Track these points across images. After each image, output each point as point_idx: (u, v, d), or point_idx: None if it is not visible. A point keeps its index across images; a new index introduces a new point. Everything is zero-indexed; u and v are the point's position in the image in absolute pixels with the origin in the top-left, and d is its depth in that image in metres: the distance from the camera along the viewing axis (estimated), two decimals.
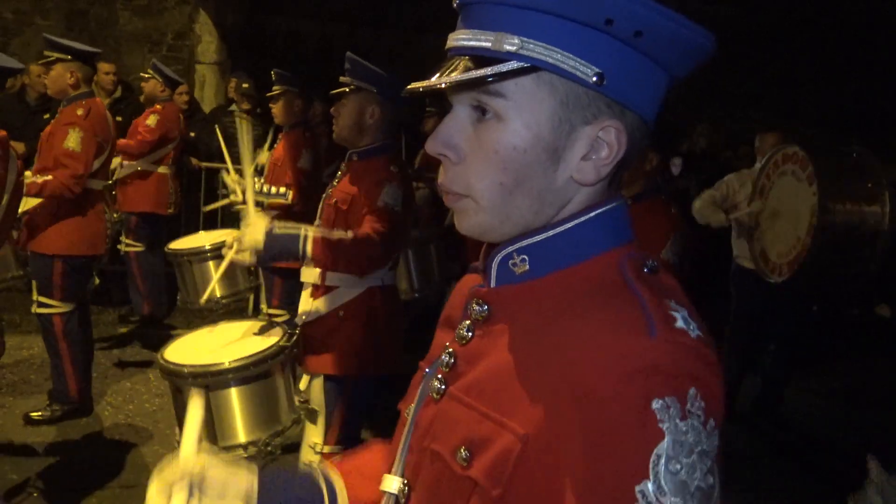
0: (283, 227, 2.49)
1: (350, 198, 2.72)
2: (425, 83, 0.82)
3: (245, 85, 6.80)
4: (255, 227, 2.43)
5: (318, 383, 2.77)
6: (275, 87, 4.55)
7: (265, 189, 4.19)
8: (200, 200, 6.76)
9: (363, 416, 2.93)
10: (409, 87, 0.84)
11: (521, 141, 0.81)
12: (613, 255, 0.83)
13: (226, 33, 8.06)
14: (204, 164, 6.84)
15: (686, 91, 0.97)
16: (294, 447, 3.57)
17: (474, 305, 0.90)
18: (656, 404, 0.69)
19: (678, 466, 0.69)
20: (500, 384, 0.81)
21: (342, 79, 2.77)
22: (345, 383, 2.73)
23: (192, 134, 6.84)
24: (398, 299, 2.96)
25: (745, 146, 8.71)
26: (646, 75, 0.81)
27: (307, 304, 2.81)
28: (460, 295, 1.00)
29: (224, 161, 4.21)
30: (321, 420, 2.73)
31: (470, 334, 0.90)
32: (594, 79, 0.78)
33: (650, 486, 0.68)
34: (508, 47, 0.78)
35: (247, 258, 2.43)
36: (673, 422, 0.69)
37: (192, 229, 5.48)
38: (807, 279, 4.10)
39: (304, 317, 2.77)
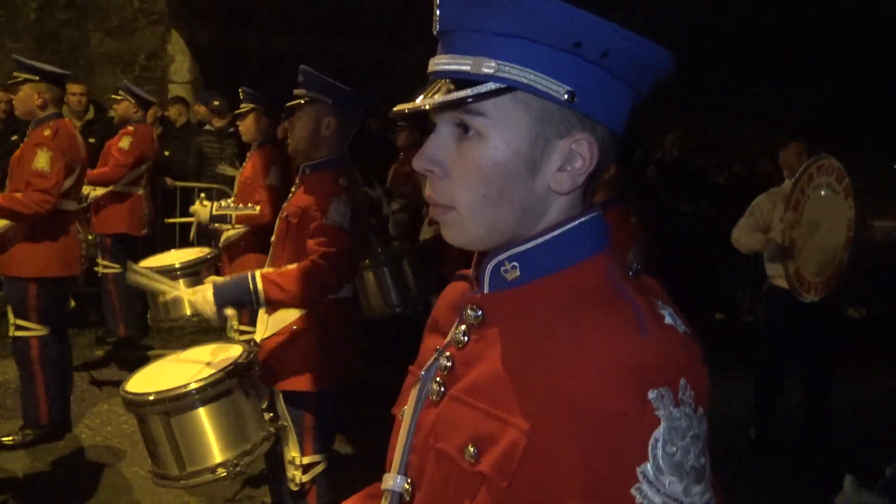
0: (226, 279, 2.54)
1: (301, 211, 2.71)
2: (410, 105, 0.89)
3: (216, 102, 6.80)
4: (201, 292, 2.47)
5: (280, 397, 2.75)
6: (242, 105, 4.56)
7: (231, 205, 4.21)
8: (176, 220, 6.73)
9: (335, 426, 2.92)
10: (395, 108, 0.91)
11: (501, 156, 0.87)
12: (598, 260, 0.91)
13: (198, 52, 8.05)
14: (178, 184, 6.81)
15: (656, 101, 1.02)
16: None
17: (469, 311, 0.95)
18: (652, 394, 0.77)
19: (674, 449, 0.77)
20: (500, 384, 0.87)
21: (296, 91, 2.75)
22: (306, 397, 2.71)
23: (167, 153, 6.82)
24: (355, 312, 2.94)
25: (719, 155, 8.87)
26: (613, 92, 0.88)
27: (262, 320, 2.80)
28: (446, 301, 1.08)
29: (198, 180, 4.21)
30: (292, 435, 2.71)
31: (466, 338, 0.95)
32: (566, 96, 0.85)
33: (650, 466, 0.77)
34: (486, 70, 0.85)
35: (211, 317, 2.47)
36: (668, 409, 0.77)
37: (167, 249, 5.45)
38: (846, 296, 3.92)
39: (260, 333, 2.76)
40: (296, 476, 2.71)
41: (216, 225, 4.26)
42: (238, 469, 2.41)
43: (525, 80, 0.84)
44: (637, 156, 7.15)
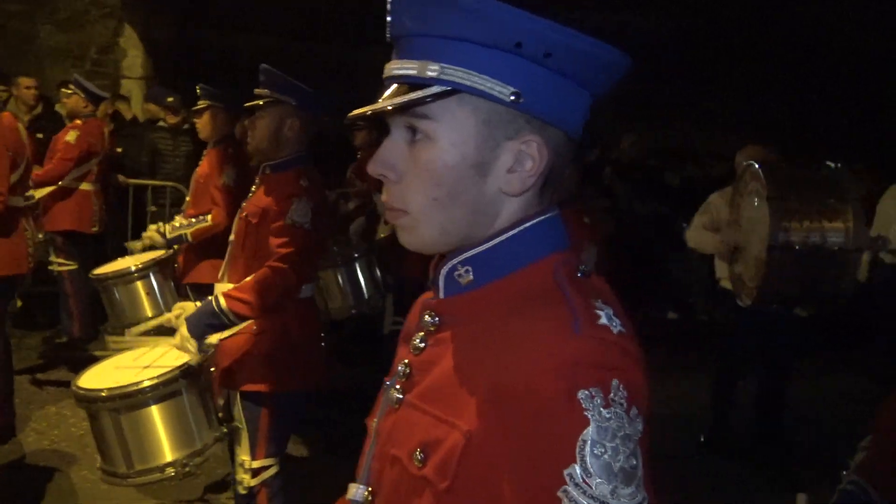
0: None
1: (261, 211, 2.69)
2: (360, 110, 0.91)
3: (170, 99, 6.68)
4: (178, 335, 2.48)
5: (236, 398, 2.73)
6: (199, 102, 4.49)
7: (184, 223, 4.15)
8: (128, 218, 6.59)
9: (290, 429, 2.90)
10: (349, 115, 0.93)
11: (449, 158, 0.88)
12: (550, 261, 0.91)
13: (152, 47, 7.90)
14: (132, 181, 6.68)
15: (613, 102, 1.02)
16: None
17: (426, 317, 0.96)
18: (581, 394, 0.77)
19: (602, 450, 0.77)
20: (450, 388, 0.88)
21: (257, 91, 2.73)
22: (264, 399, 2.68)
23: (119, 150, 6.67)
24: (315, 312, 2.93)
25: (674, 157, 9.00)
26: (563, 93, 0.88)
27: None
28: (417, 309, 1.07)
29: (152, 177, 4.16)
30: (245, 437, 2.68)
31: (423, 344, 0.96)
32: (511, 98, 0.86)
33: (577, 469, 0.76)
34: (430, 73, 0.86)
35: (195, 353, 2.48)
36: (597, 410, 0.77)
37: (119, 246, 5.34)
38: (780, 301, 4.00)
39: (219, 334, 2.72)
40: (244, 479, 2.68)
41: (175, 246, 4.20)
42: (187, 469, 2.41)
43: (469, 83, 0.85)
44: (593, 156, 7.22)
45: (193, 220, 4.18)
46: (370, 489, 0.99)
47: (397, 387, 0.97)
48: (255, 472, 2.68)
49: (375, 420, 1.02)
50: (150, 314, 3.86)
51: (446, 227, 0.90)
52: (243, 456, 2.69)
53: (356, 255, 5.00)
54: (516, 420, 0.79)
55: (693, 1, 7.42)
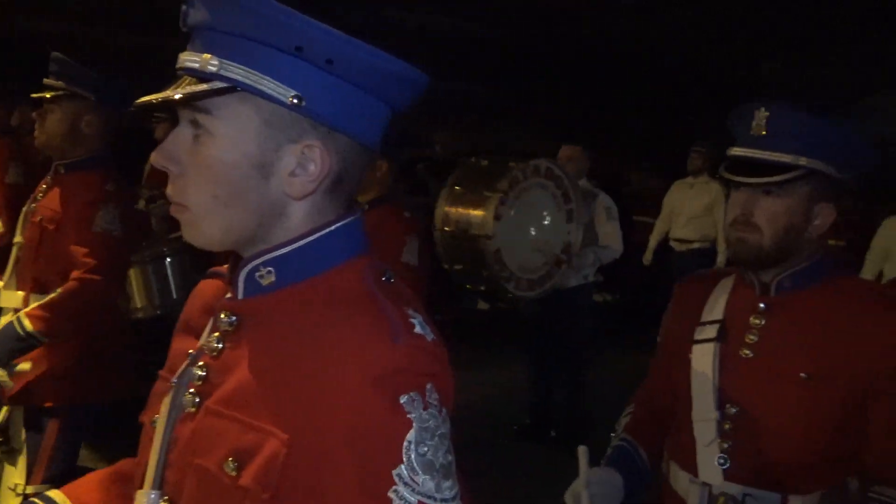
0: None
1: (59, 216, 2.47)
2: (145, 98, 0.89)
3: None
4: None
5: (20, 416, 2.49)
6: None
7: None
8: None
9: (78, 448, 2.67)
10: (135, 102, 0.91)
11: (229, 156, 0.87)
12: (354, 264, 0.92)
13: None
14: None
15: (427, 103, 1.03)
16: None
17: (223, 317, 0.93)
18: (404, 399, 0.81)
19: (425, 449, 0.82)
20: (258, 393, 0.86)
21: (47, 81, 2.49)
22: (55, 414, 2.47)
23: None
24: (117, 317, 2.76)
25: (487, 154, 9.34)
26: (350, 101, 0.88)
27: None
28: (198, 301, 1.06)
29: None
30: (22, 459, 2.45)
31: (220, 346, 0.93)
32: (293, 100, 0.85)
33: (404, 468, 0.80)
34: (211, 68, 0.85)
35: (4, 379, 2.30)
36: (418, 412, 0.82)
37: None
38: (468, 281, 4.27)
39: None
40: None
41: None
42: None
43: (249, 81, 0.85)
44: (406, 153, 7.35)
45: None
46: (167, 497, 0.94)
47: (192, 390, 0.93)
48: (25, 500, 2.45)
49: (156, 419, 0.97)
50: None
51: (228, 226, 0.90)
52: (15, 479, 2.45)
53: (166, 253, 4.73)
54: (342, 426, 0.80)
55: (502, 7, 7.69)
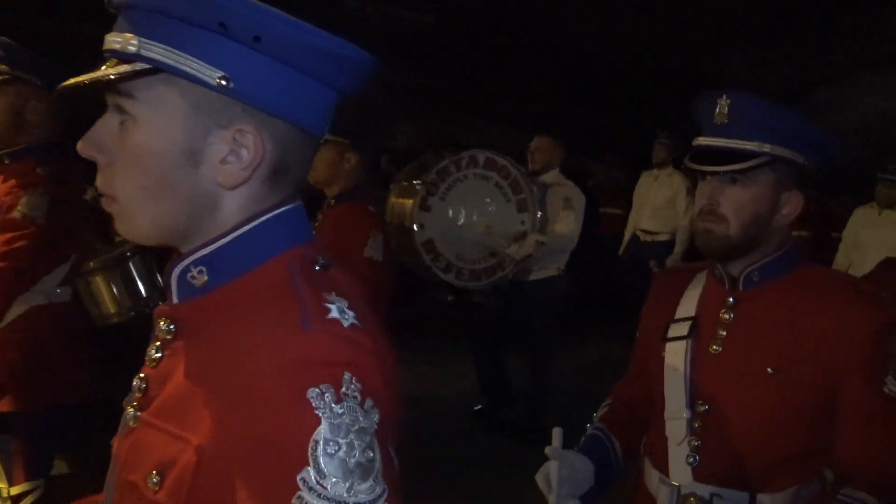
0: None
1: (3, 206, 2.36)
2: (67, 83, 0.81)
3: None
4: None
5: None
6: None
7: None
8: None
9: (52, 447, 2.60)
10: (58, 86, 0.82)
11: (154, 143, 0.81)
12: (286, 256, 0.85)
13: None
14: None
15: (390, 92, 0.99)
16: None
17: (161, 325, 0.87)
18: (311, 393, 0.72)
19: (336, 447, 0.72)
20: (186, 401, 0.80)
21: None
22: (13, 420, 2.38)
23: None
24: (73, 318, 2.66)
25: (451, 146, 9.34)
26: (285, 83, 0.82)
27: None
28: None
29: None
30: None
31: (159, 355, 0.87)
32: (221, 82, 0.79)
33: (311, 471, 0.71)
34: (131, 48, 0.78)
35: None
36: (328, 407, 0.73)
37: None
38: (417, 273, 4.28)
39: None
40: None
41: None
42: None
43: (170, 61, 0.78)
44: (382, 145, 7.32)
45: None
46: None
47: (134, 404, 0.87)
48: (16, 500, 2.38)
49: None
50: None
51: (158, 218, 0.83)
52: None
53: (128, 253, 4.64)
54: (245, 428, 0.73)
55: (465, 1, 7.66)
